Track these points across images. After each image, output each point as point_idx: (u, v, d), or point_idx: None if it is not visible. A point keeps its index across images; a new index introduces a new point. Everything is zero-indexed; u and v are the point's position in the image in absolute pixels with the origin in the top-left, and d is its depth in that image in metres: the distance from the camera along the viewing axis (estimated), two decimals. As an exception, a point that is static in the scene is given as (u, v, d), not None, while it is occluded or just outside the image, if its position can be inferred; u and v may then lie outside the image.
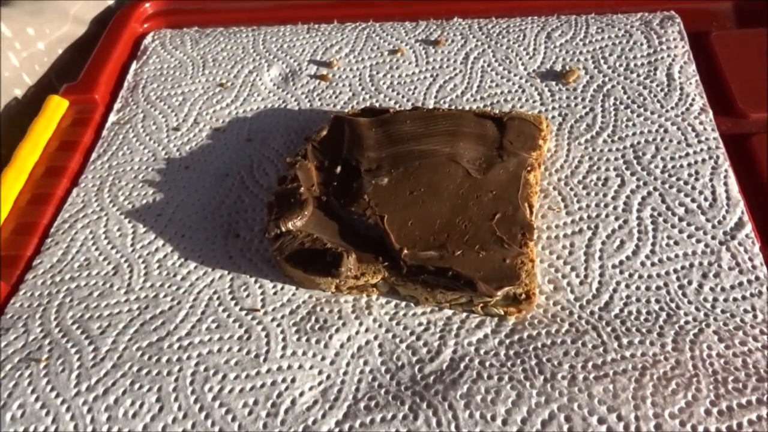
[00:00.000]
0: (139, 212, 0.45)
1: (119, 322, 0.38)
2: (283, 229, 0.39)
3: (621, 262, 0.39)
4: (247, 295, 0.39)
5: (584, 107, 0.48)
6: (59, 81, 0.57)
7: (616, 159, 0.45)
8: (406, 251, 0.37)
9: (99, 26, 0.60)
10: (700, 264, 0.38)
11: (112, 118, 0.52)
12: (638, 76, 0.50)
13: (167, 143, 0.49)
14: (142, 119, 0.52)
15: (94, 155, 0.49)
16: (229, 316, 0.38)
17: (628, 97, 0.48)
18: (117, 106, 0.53)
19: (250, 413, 0.34)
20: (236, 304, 0.39)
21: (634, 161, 0.44)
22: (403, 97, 0.51)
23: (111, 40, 0.58)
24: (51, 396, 0.35)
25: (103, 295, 0.40)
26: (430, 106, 0.50)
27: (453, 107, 0.49)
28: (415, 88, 0.51)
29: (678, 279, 0.38)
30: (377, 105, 0.51)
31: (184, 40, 0.58)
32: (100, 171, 0.48)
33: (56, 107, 0.51)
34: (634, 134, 0.46)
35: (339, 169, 0.43)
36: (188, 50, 0.57)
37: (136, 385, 0.35)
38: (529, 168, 0.42)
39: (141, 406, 0.34)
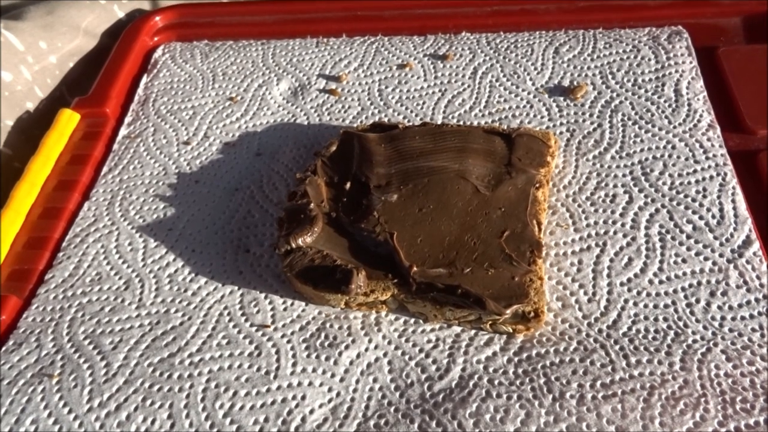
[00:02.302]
0: (149, 227, 0.45)
1: (131, 338, 0.39)
2: (294, 246, 0.40)
3: (629, 280, 0.39)
4: (258, 311, 0.39)
5: (592, 123, 0.48)
6: (71, 94, 0.58)
7: (624, 175, 0.45)
8: (415, 268, 0.38)
9: (110, 39, 0.61)
10: (708, 282, 0.38)
11: (123, 131, 0.53)
12: (646, 91, 0.50)
13: (177, 157, 0.50)
14: (153, 133, 0.52)
15: (105, 169, 0.50)
16: (239, 332, 0.38)
17: (636, 113, 0.49)
18: (128, 119, 0.54)
19: (260, 431, 0.34)
20: (246, 320, 0.39)
21: (642, 178, 0.44)
22: (411, 112, 0.51)
23: (121, 53, 0.58)
24: (64, 412, 0.35)
25: (115, 310, 0.40)
26: (439, 122, 0.50)
27: (461, 123, 0.50)
28: (424, 103, 0.52)
29: (686, 297, 0.38)
30: (386, 120, 0.51)
31: (194, 53, 0.59)
32: (111, 185, 0.48)
33: (68, 121, 0.52)
34: (641, 150, 0.46)
35: (348, 185, 0.43)
36: (198, 64, 0.58)
37: (148, 402, 0.35)
38: (537, 185, 0.42)
39: (153, 422, 0.35)
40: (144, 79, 0.57)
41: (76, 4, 0.59)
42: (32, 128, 0.54)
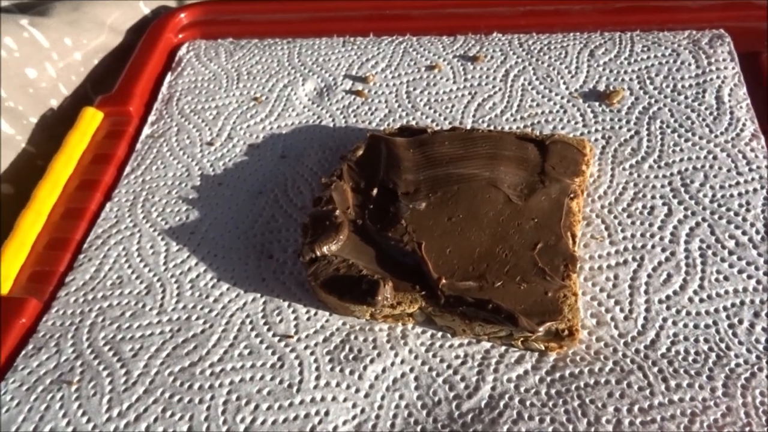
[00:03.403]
0: (172, 229, 0.44)
1: (151, 345, 0.38)
2: (318, 254, 0.38)
3: (668, 297, 0.37)
4: (280, 320, 0.38)
5: (629, 130, 0.47)
6: (95, 91, 0.57)
7: (662, 186, 0.43)
8: (444, 281, 0.36)
9: (134, 36, 0.60)
10: (752, 302, 0.37)
11: (146, 131, 0.52)
12: (686, 98, 0.48)
13: (201, 158, 0.49)
14: (176, 133, 0.51)
15: (127, 169, 0.49)
16: (261, 342, 0.37)
17: (675, 121, 0.47)
18: (151, 118, 0.53)
19: (282, 447, 0.33)
20: (269, 330, 0.38)
21: (682, 189, 0.43)
22: (440, 115, 0.50)
23: (146, 50, 0.57)
24: (82, 421, 0.34)
25: (136, 315, 0.39)
26: (469, 126, 0.49)
27: (492, 127, 0.48)
28: (453, 106, 0.50)
29: (728, 317, 0.36)
30: (414, 123, 0.49)
31: (219, 51, 0.58)
32: (134, 186, 0.48)
33: (91, 119, 0.51)
34: (681, 160, 0.44)
35: (375, 191, 0.42)
36: (222, 62, 0.57)
37: (168, 413, 0.34)
38: (572, 195, 0.41)
39: (172, 435, 0.34)
40: (168, 78, 0.56)
41: (101, 1, 0.59)
42: (56, 126, 0.54)
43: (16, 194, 0.49)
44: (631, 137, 0.46)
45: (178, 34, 0.61)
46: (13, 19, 0.53)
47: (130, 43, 0.60)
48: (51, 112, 0.54)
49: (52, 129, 0.53)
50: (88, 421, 0.34)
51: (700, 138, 0.45)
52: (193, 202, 0.46)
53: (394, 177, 0.42)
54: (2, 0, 0.64)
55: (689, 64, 0.50)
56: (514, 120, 0.49)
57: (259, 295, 0.40)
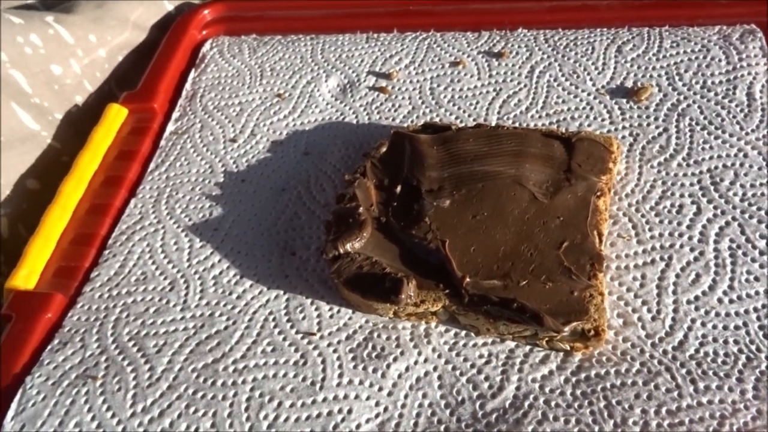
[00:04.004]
0: (195, 226, 0.44)
1: (175, 341, 0.38)
2: (342, 251, 0.38)
3: (696, 298, 0.37)
4: (303, 317, 0.38)
5: (657, 127, 0.46)
6: (119, 87, 0.58)
7: (691, 184, 0.42)
8: (468, 279, 0.36)
9: (158, 32, 0.60)
10: (784, 303, 0.36)
11: (170, 127, 0.52)
12: (716, 94, 0.47)
13: (224, 155, 0.49)
14: (200, 129, 0.51)
15: (152, 165, 0.49)
16: (284, 339, 0.37)
17: (705, 118, 0.46)
18: (175, 115, 0.53)
19: (305, 445, 0.33)
20: (292, 327, 0.38)
21: (711, 188, 0.42)
22: (464, 112, 0.49)
23: (170, 47, 0.57)
24: (107, 416, 0.35)
25: (159, 311, 0.39)
26: (494, 123, 0.48)
27: (517, 124, 0.48)
28: (477, 102, 0.50)
29: (758, 319, 0.35)
30: (438, 120, 0.49)
31: (242, 48, 0.58)
32: (158, 182, 0.48)
33: (116, 116, 0.51)
34: (711, 158, 0.43)
35: (399, 188, 0.42)
36: (246, 59, 0.57)
37: (191, 409, 0.34)
38: (598, 193, 0.40)
39: (196, 430, 0.34)
40: (192, 74, 0.56)
41: (125, -3, 0.59)
42: (81, 122, 0.54)
43: (41, 190, 0.50)
44: (660, 134, 0.45)
45: (202, 31, 0.61)
46: (39, 16, 0.53)
47: (153, 40, 0.60)
48: (76, 108, 0.55)
49: (77, 125, 0.54)
50: (113, 416, 0.35)
51: (731, 135, 0.44)
52: (217, 198, 0.46)
53: (417, 174, 0.42)
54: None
55: (719, 60, 0.49)
56: (540, 117, 0.48)
57: (282, 292, 0.40)
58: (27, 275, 0.42)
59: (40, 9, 0.63)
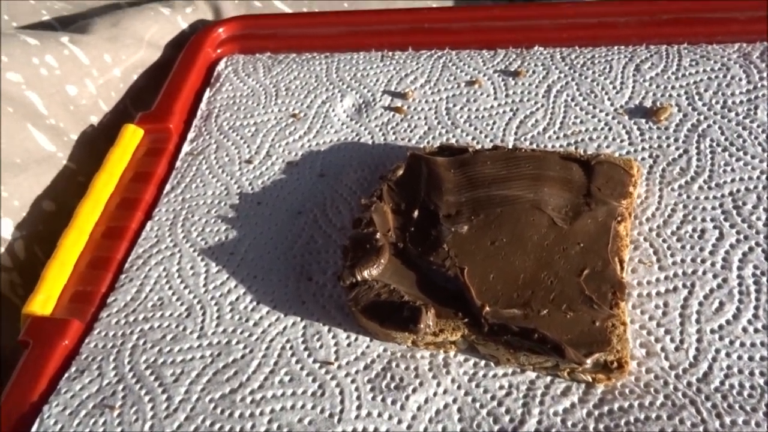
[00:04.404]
0: (212, 250, 0.44)
1: (192, 370, 0.38)
2: (359, 278, 0.38)
3: (720, 327, 0.36)
4: (320, 346, 0.38)
5: (677, 149, 0.45)
6: (134, 107, 0.58)
7: (713, 208, 0.41)
8: (487, 308, 0.36)
9: (173, 50, 0.60)
10: (811, 333, 0.35)
11: (186, 148, 0.52)
12: (737, 115, 0.46)
13: (240, 176, 0.49)
14: (215, 150, 0.51)
15: (167, 187, 0.49)
16: (302, 368, 0.37)
17: (726, 139, 0.45)
18: (190, 135, 0.53)
19: (324, 479, 0.32)
20: (309, 356, 0.38)
21: (734, 211, 0.41)
22: (481, 132, 0.49)
23: (184, 66, 0.57)
24: (124, 448, 0.34)
25: (176, 338, 0.39)
26: (510, 143, 0.48)
27: (535, 145, 0.47)
28: (494, 123, 0.49)
29: (785, 349, 0.35)
30: (454, 140, 0.49)
31: (257, 66, 0.58)
32: (174, 204, 0.48)
33: (132, 136, 0.51)
34: (732, 181, 0.43)
35: (416, 213, 0.41)
36: (261, 78, 0.56)
37: (209, 441, 0.34)
38: (619, 218, 0.39)
39: (213, 463, 0.33)
40: (207, 93, 0.56)
41: (140, 15, 0.59)
42: (96, 142, 0.54)
43: (57, 211, 0.50)
44: (680, 156, 0.45)
45: (217, 49, 0.61)
46: (54, 36, 0.53)
47: (168, 58, 0.60)
48: (91, 128, 0.55)
49: (93, 145, 0.54)
50: (130, 447, 0.35)
51: (752, 157, 0.44)
52: (233, 221, 0.46)
53: (435, 198, 0.42)
54: (43, 14, 0.65)
55: (740, 79, 0.49)
56: (557, 138, 0.48)
57: (299, 318, 0.39)
58: (44, 300, 0.41)
59: (56, 27, 0.64)
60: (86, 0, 0.68)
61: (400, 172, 0.44)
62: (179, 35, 0.62)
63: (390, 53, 0.57)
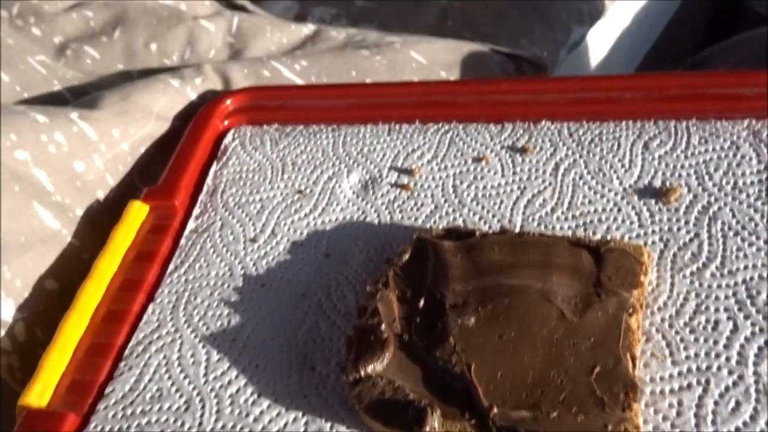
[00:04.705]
0: (213, 336, 0.43)
1: (189, 471, 0.36)
2: (363, 374, 0.37)
3: (737, 429, 0.35)
4: (323, 444, 0.37)
5: (688, 232, 0.44)
6: (141, 180, 0.58)
7: (726, 297, 0.40)
8: (495, 410, 0.34)
9: (181, 122, 0.61)
10: (833, 438, 0.34)
11: (191, 225, 0.52)
12: (748, 196, 0.46)
13: (244, 256, 0.48)
14: (220, 228, 0.51)
15: (171, 266, 0.49)
16: (303, 471, 0.36)
17: (738, 222, 0.44)
18: (196, 211, 0.53)
19: None
20: (311, 456, 0.36)
21: (748, 301, 0.40)
22: (488, 212, 0.48)
23: (192, 139, 0.57)
24: None
25: (175, 434, 0.38)
26: (518, 224, 0.47)
27: (543, 226, 0.46)
28: (501, 202, 0.49)
29: (807, 455, 0.33)
30: (461, 220, 0.48)
31: (264, 140, 0.58)
32: (176, 285, 0.47)
33: (137, 213, 0.51)
34: (746, 268, 0.42)
35: (422, 302, 0.41)
36: (268, 152, 0.56)
37: None
38: (630, 310, 0.38)
39: None
40: (213, 167, 0.56)
41: (150, 87, 0.59)
42: (102, 217, 0.54)
43: (59, 290, 0.50)
44: (691, 240, 0.44)
45: (225, 120, 0.61)
46: (64, 112, 0.54)
47: (176, 130, 0.60)
48: (97, 203, 0.55)
49: (98, 221, 0.54)
50: None
51: (765, 243, 0.43)
52: (235, 305, 0.45)
53: (441, 287, 0.41)
54: (54, 84, 0.65)
55: (750, 159, 0.48)
56: (566, 219, 0.47)
57: (300, 413, 0.38)
58: (41, 391, 0.41)
59: (67, 97, 0.65)
60: (97, 69, 0.70)
61: (406, 256, 0.44)
62: (188, 106, 0.62)
63: (397, 126, 0.56)
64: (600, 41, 1.12)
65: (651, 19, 1.30)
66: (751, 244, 0.43)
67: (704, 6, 1.63)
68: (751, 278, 0.41)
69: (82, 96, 0.63)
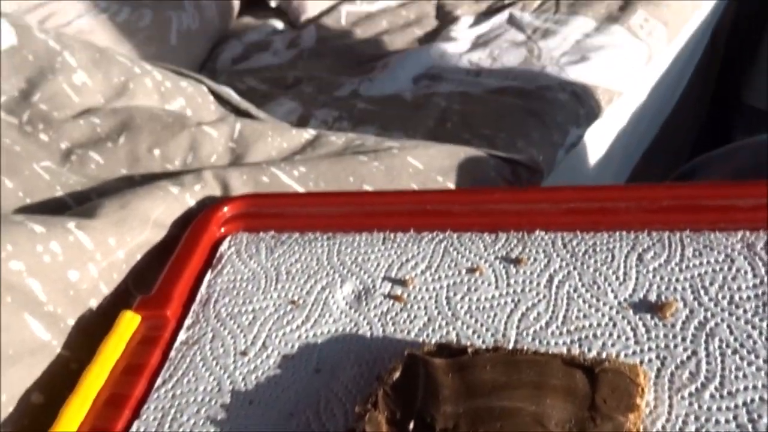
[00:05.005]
0: (197, 457, 0.42)
1: None
2: (349, 505, 0.35)
3: None
4: None
5: (685, 349, 0.43)
6: (136, 287, 0.58)
7: (727, 421, 0.39)
8: None
9: (178, 229, 0.61)
10: None
11: (182, 336, 0.51)
12: (744, 312, 0.45)
13: (233, 370, 0.48)
14: (211, 339, 0.50)
15: (159, 381, 0.48)
16: None
17: (736, 339, 0.43)
18: (188, 322, 0.52)
19: None
20: None
21: (749, 425, 0.39)
22: (482, 325, 0.48)
23: (188, 247, 0.58)
24: None
25: None
26: (512, 338, 0.46)
27: (537, 341, 0.46)
28: (495, 315, 0.48)
29: None
30: (454, 333, 0.47)
31: (260, 247, 0.58)
32: (163, 401, 0.46)
33: (128, 324, 0.51)
34: (746, 389, 0.40)
35: (412, 425, 0.39)
36: (262, 260, 0.56)
37: None
38: (626, 436, 0.37)
39: None
40: (208, 276, 0.56)
41: (149, 195, 0.60)
42: (93, 327, 0.53)
43: (45, 403, 0.48)
44: (689, 358, 0.43)
45: (221, 227, 0.61)
46: (61, 222, 0.54)
47: (172, 237, 0.61)
48: (89, 312, 0.54)
49: (89, 330, 0.53)
50: None
51: (765, 362, 0.42)
52: (222, 423, 0.44)
53: (432, 408, 0.40)
54: (57, 190, 0.67)
55: (745, 273, 0.48)
56: (561, 334, 0.46)
57: None
58: None
59: (69, 202, 0.66)
60: (101, 174, 0.71)
61: (397, 374, 0.43)
62: (186, 213, 0.63)
63: (392, 235, 0.57)
64: (597, 142, 1.14)
65: (648, 118, 1.33)
66: (750, 363, 0.42)
67: (700, 103, 1.67)
68: (752, 400, 0.40)
69: (83, 201, 0.64)
